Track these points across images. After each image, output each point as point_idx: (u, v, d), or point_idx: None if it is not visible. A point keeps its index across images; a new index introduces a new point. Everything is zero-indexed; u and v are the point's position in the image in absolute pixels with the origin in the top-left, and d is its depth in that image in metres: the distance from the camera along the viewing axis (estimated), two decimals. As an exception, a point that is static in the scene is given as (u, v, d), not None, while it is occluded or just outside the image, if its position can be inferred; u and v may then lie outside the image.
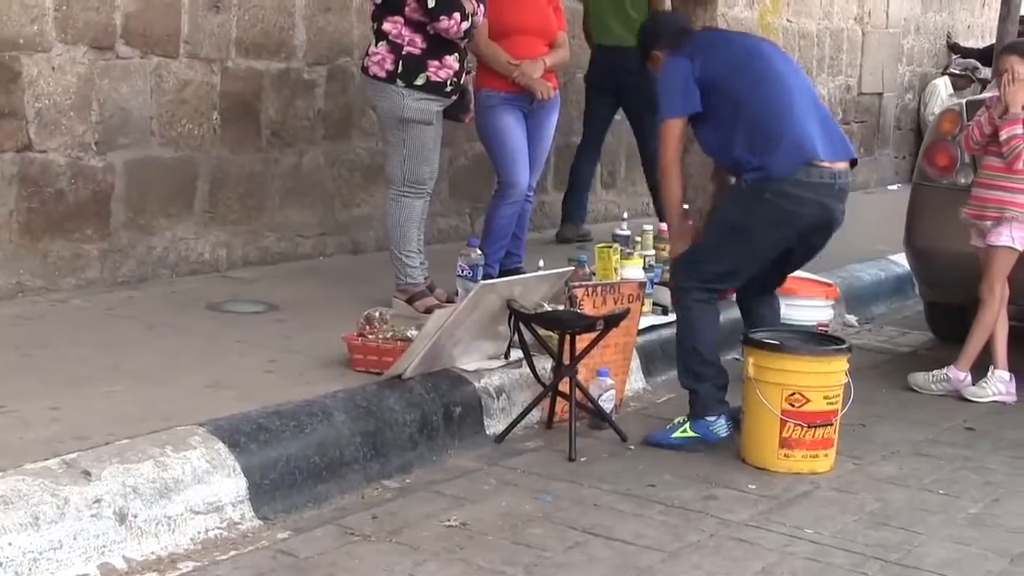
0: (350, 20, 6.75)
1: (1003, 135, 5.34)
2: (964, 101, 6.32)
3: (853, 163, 4.72)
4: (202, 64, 6.08)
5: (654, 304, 5.66)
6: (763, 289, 4.92)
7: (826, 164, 4.54)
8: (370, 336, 4.64)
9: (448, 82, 5.38)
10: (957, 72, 12.23)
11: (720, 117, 4.60)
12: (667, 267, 5.84)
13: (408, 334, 4.61)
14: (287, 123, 6.52)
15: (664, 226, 5.98)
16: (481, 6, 5.53)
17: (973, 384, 5.54)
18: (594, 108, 7.81)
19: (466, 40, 5.42)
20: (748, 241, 4.60)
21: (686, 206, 6.16)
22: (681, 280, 4.72)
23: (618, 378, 5.00)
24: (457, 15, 5.24)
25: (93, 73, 5.61)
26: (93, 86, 5.62)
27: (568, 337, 4.60)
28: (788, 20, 10.44)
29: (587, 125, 7.89)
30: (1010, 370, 5.55)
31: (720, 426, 4.62)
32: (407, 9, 5.27)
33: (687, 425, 4.65)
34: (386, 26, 5.34)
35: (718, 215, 4.83)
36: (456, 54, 5.39)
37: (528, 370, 4.72)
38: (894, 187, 11.78)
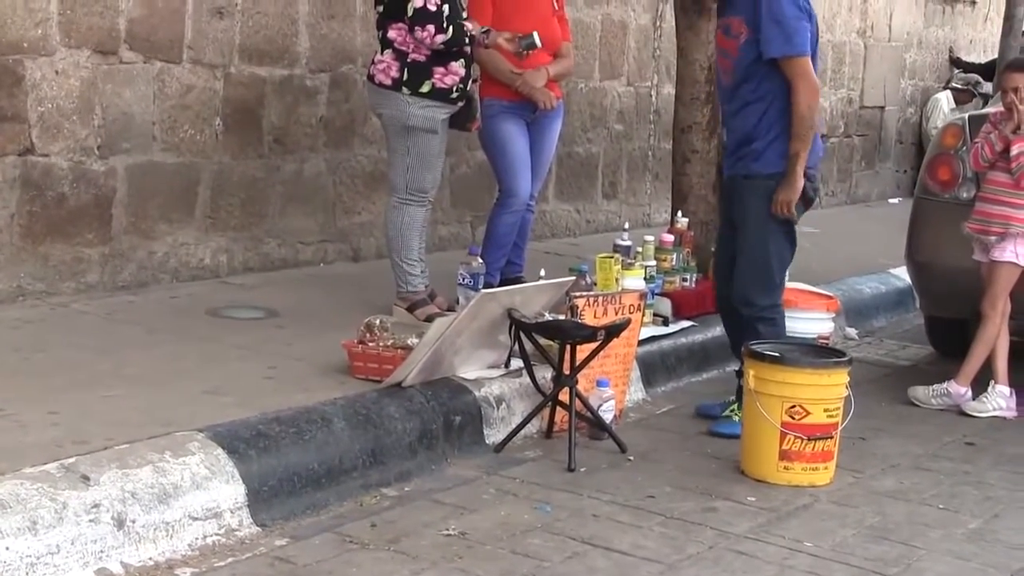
0: (353, 28, 6.76)
1: (1014, 150, 5.34)
2: (966, 116, 6.32)
3: None
4: (205, 70, 6.08)
5: (655, 315, 5.66)
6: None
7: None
8: (370, 344, 4.63)
9: (454, 89, 5.38)
10: (959, 87, 12.24)
11: (778, 91, 4.78)
12: (668, 278, 5.86)
13: (408, 342, 4.61)
14: (289, 130, 6.52)
15: (667, 236, 5.99)
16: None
17: (973, 399, 5.54)
18: None
19: (470, 47, 5.42)
20: (791, 229, 4.94)
21: (687, 219, 6.20)
22: (765, 301, 4.92)
23: (618, 388, 5.00)
24: (431, 27, 5.22)
25: (96, 77, 5.61)
26: (96, 90, 5.61)
27: (568, 347, 4.60)
28: (791, 33, 10.41)
29: None
30: (1011, 385, 5.55)
31: None
32: (407, 16, 5.28)
33: None
34: (391, 33, 5.34)
35: (756, 221, 4.88)
36: (462, 60, 5.39)
37: (528, 379, 4.72)
38: (895, 201, 11.78)
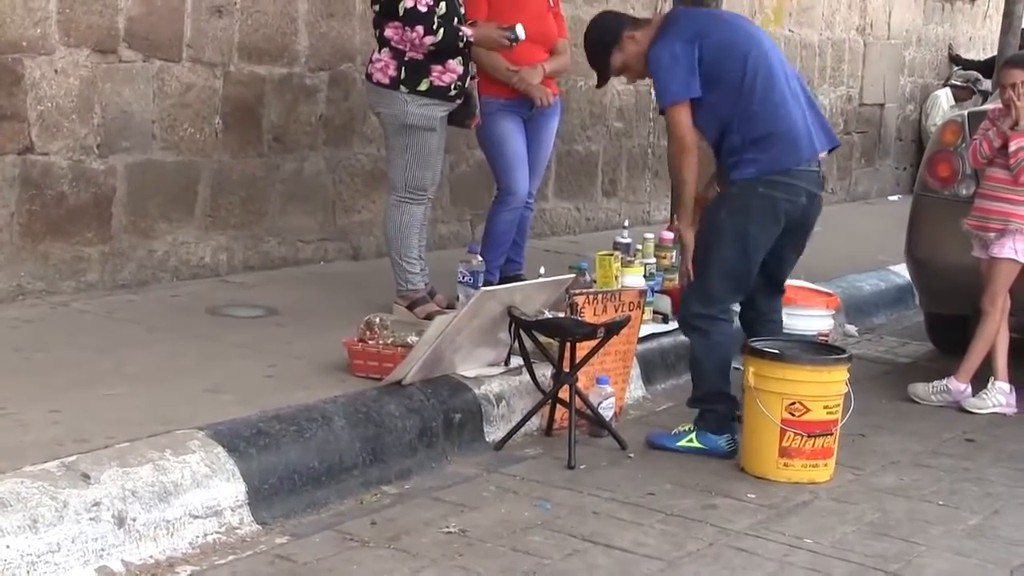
0: (352, 26, 6.76)
1: (1012, 146, 5.34)
2: (966, 112, 6.32)
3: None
4: (204, 68, 6.08)
5: (654, 312, 5.66)
6: (765, 299, 4.93)
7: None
8: (370, 342, 4.63)
9: (452, 86, 5.38)
10: (958, 84, 12.25)
11: (715, 104, 4.57)
12: (668, 275, 5.85)
13: (408, 340, 4.61)
14: (289, 128, 6.52)
15: (667, 234, 5.99)
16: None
17: (973, 395, 5.54)
18: None
19: (463, 40, 5.39)
20: (747, 241, 4.60)
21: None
22: (697, 309, 4.70)
23: (618, 386, 5.00)
24: (420, 28, 5.20)
25: (96, 76, 5.61)
26: (95, 89, 5.61)
27: (568, 344, 4.60)
28: (790, 30, 10.46)
29: None
30: (1010, 382, 5.55)
31: (725, 441, 4.65)
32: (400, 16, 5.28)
33: (694, 436, 4.67)
34: (388, 32, 5.33)
35: (709, 227, 4.70)
36: (459, 58, 5.38)
37: (528, 377, 4.72)
38: (895, 198, 11.79)
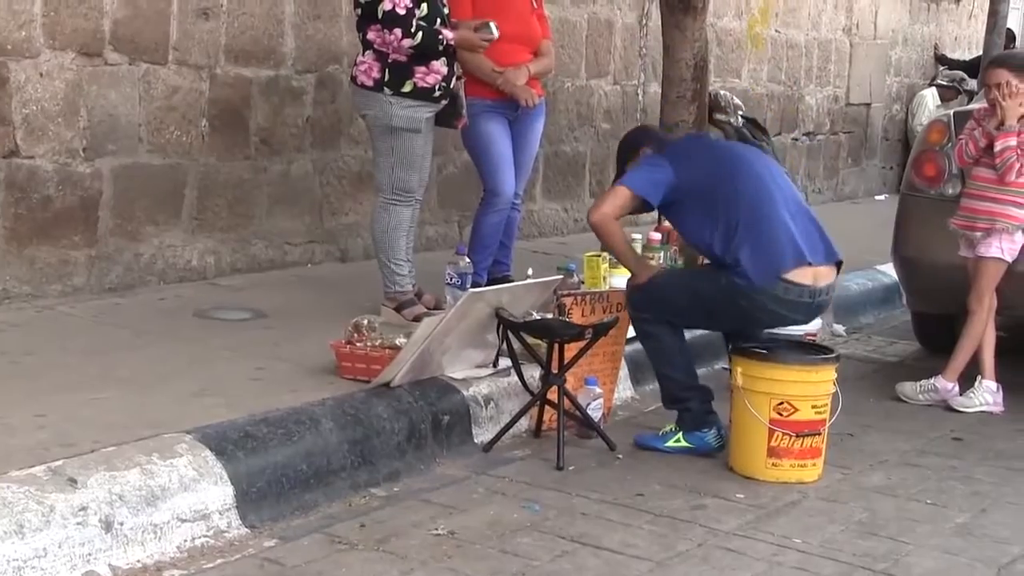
0: (339, 28, 6.75)
1: (998, 146, 5.35)
2: (952, 112, 6.33)
3: (839, 265, 4.76)
4: (191, 71, 6.07)
5: (642, 313, 5.66)
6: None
7: (807, 283, 4.54)
8: (358, 344, 4.62)
9: (436, 88, 5.37)
10: (944, 83, 12.29)
11: (700, 217, 4.62)
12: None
13: (396, 342, 4.60)
14: (276, 131, 6.51)
15: (654, 235, 6.00)
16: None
17: (961, 394, 5.55)
18: None
19: (443, 44, 5.37)
20: (711, 317, 4.73)
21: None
22: (641, 310, 4.73)
23: (606, 387, 5.00)
24: (398, 31, 5.20)
25: (81, 79, 5.59)
26: (81, 92, 5.60)
27: (556, 346, 4.60)
28: (776, 31, 10.48)
29: None
30: (997, 380, 5.56)
31: (713, 436, 4.65)
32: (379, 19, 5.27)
33: (680, 435, 4.68)
34: (370, 35, 5.33)
35: (692, 280, 4.82)
36: (443, 59, 5.37)
37: (516, 379, 4.72)
38: (881, 197, 11.82)
